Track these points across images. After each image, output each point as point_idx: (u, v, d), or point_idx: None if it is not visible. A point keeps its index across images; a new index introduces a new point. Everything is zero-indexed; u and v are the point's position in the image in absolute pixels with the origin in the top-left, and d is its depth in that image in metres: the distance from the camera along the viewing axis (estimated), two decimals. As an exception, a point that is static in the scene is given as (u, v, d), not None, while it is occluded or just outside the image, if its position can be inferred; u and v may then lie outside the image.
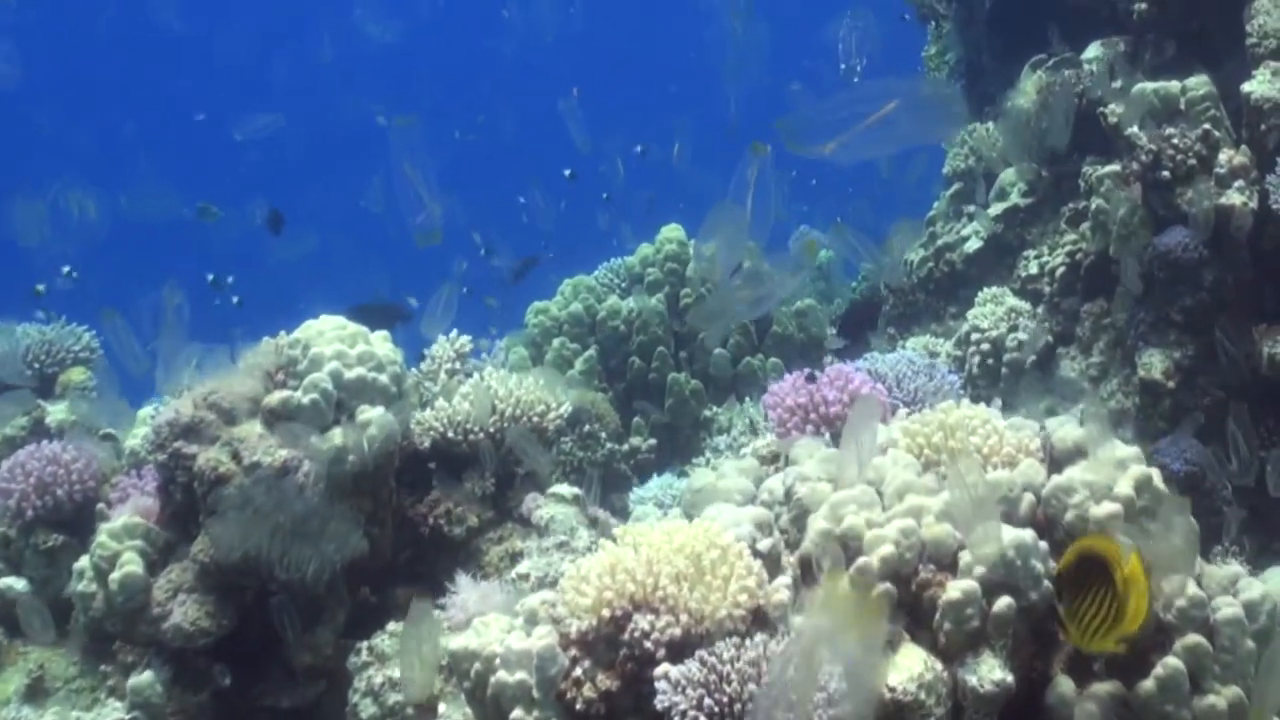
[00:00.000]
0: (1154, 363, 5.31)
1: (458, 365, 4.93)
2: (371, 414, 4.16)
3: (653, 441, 6.70)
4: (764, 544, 3.39)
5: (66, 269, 7.45)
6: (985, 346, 6.03)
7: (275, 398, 4.15)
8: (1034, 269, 6.29)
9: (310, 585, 4.00)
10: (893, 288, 7.15)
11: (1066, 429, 3.70)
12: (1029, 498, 3.42)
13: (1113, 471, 3.47)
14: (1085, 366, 5.79)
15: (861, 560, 3.31)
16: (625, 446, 6.60)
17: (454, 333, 5.04)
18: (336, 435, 4.10)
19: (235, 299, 5.10)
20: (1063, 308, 6.04)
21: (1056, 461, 3.61)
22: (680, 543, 3.14)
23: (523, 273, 8.16)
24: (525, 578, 4.27)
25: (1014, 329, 6.01)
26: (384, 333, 4.44)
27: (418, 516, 4.51)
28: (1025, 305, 6.14)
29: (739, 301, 3.34)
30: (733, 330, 6.83)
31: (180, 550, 4.20)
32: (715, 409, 6.81)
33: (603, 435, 6.45)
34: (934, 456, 3.61)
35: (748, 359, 7.01)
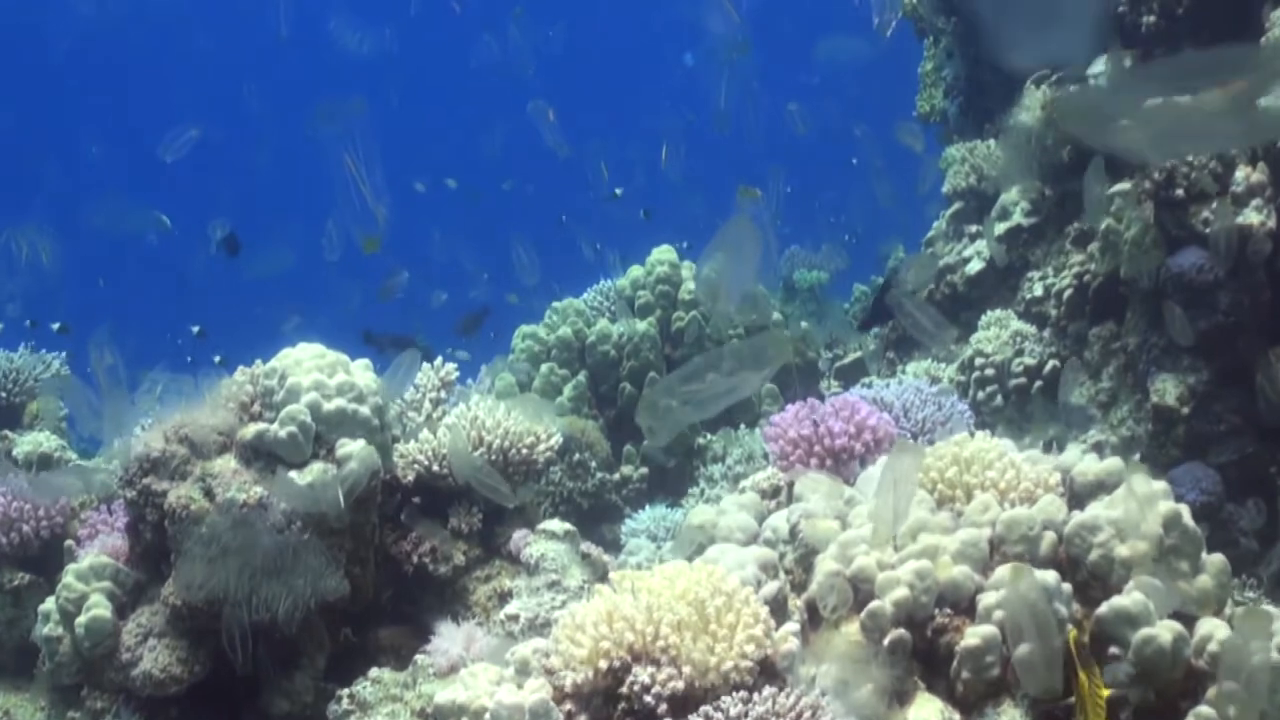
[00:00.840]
0: (1167, 388, 5.16)
1: (443, 394, 4.75)
2: (352, 448, 3.98)
3: (644, 470, 6.53)
4: (770, 587, 3.23)
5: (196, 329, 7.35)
6: (989, 372, 5.88)
7: (250, 431, 3.96)
8: (1039, 291, 6.15)
9: (282, 624, 3.81)
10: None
11: (1087, 462, 3.54)
12: (1050, 536, 3.26)
13: (1139, 508, 3.30)
14: (1095, 392, 5.64)
15: (874, 605, 3.15)
16: (616, 476, 6.44)
17: (439, 360, 4.87)
18: (315, 470, 3.92)
19: (196, 329, 4.91)
20: (1070, 331, 5.89)
21: (1078, 496, 3.46)
22: (682, 588, 2.96)
23: (473, 326, 7.99)
24: (514, 619, 4.09)
25: (1019, 353, 5.85)
26: (365, 361, 4.26)
27: (401, 554, 4.32)
28: (1030, 329, 5.99)
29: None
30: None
31: (151, 592, 4.01)
32: (709, 436, 6.64)
33: (593, 464, 6.28)
34: (948, 492, 3.45)
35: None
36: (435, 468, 4.35)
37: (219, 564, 3.75)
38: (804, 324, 7.46)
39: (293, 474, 3.91)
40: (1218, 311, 5.03)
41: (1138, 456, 5.29)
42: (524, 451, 4.44)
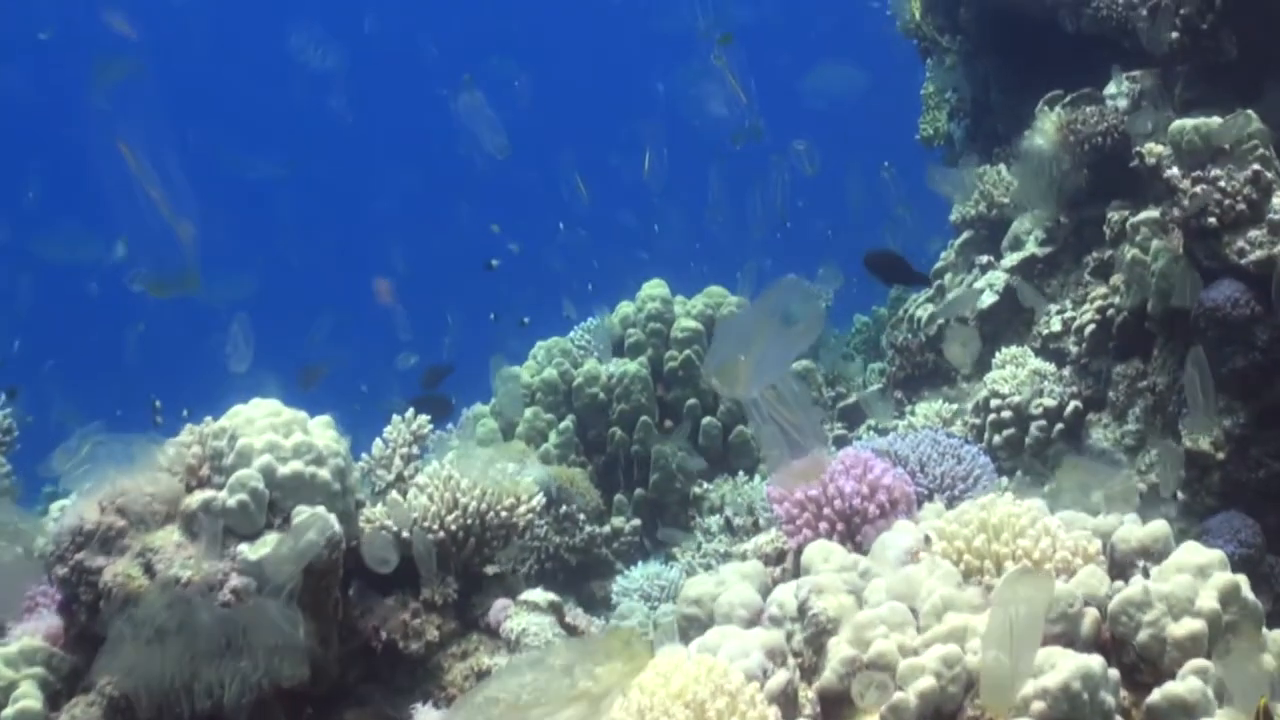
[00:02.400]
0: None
1: (414, 450, 4.42)
2: (310, 515, 3.65)
3: (636, 522, 6.20)
4: (778, 679, 2.90)
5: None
6: (1006, 414, 5.55)
7: (195, 500, 3.62)
8: (1057, 325, 5.83)
9: (230, 713, 3.47)
10: (899, 346, 6.67)
11: (1130, 527, 3.23)
12: (1092, 614, 2.94)
13: (1191, 580, 2.98)
14: (1119, 435, 5.32)
15: (896, 698, 2.82)
16: (606, 528, 6.11)
17: (409, 412, 4.54)
18: (269, 542, 3.58)
19: (156, 403, 4.59)
20: (1092, 369, 5.58)
21: (1120, 565, 3.15)
22: (679, 687, 2.63)
23: (434, 383, 7.66)
24: (495, 702, 3.76)
25: (1039, 394, 5.52)
26: (325, 419, 3.92)
27: (368, 629, 3.99)
28: (1050, 367, 5.66)
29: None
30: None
31: (89, 679, 3.66)
32: (705, 485, 6.31)
33: (581, 517, 5.95)
34: (976, 564, 3.13)
35: (740, 428, 6.52)
36: (405, 534, 4.02)
37: (154, 647, 3.40)
38: (804, 362, 7.12)
39: (244, 547, 3.57)
40: (1255, 348, 4.72)
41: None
42: (502, 514, 4.11)
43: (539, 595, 4.02)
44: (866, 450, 3.92)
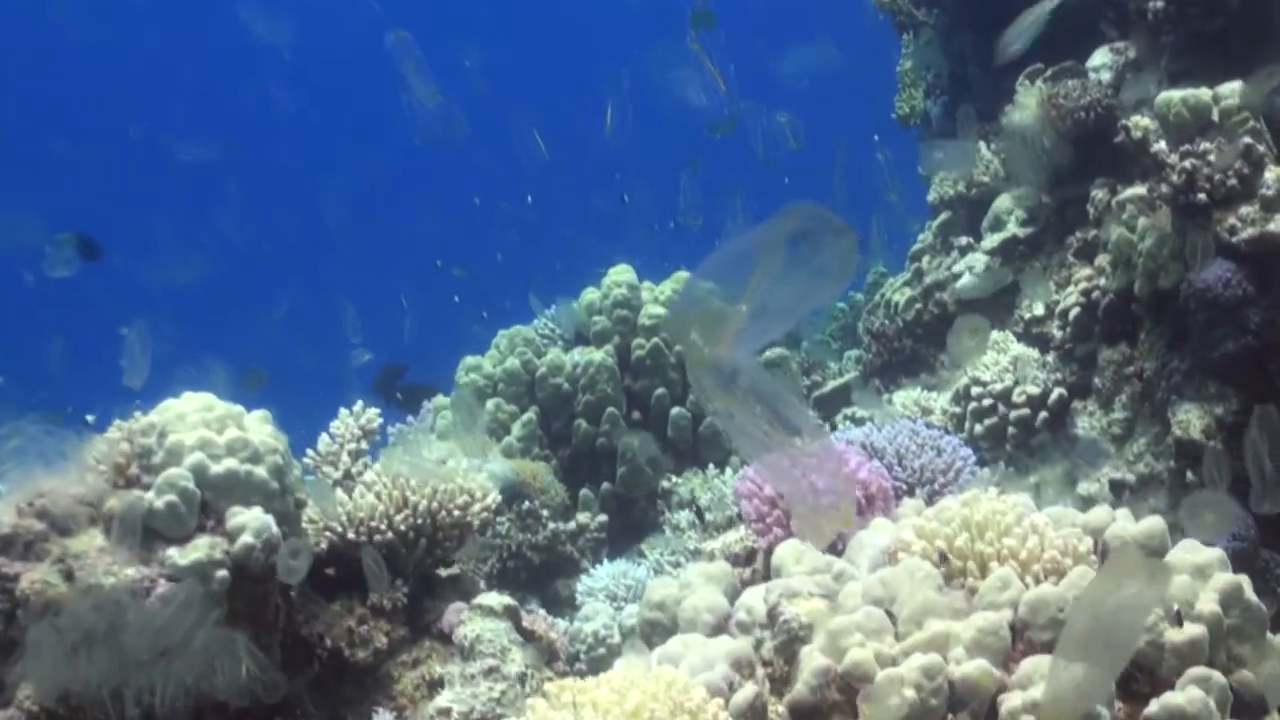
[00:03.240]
0: (1191, 419, 4.66)
1: (363, 445, 4.21)
2: (246, 517, 3.42)
3: (603, 518, 5.99)
4: (745, 694, 2.70)
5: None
6: (988, 402, 5.35)
7: (120, 501, 3.40)
8: (1039, 309, 5.64)
9: (167, 716, 3.26)
10: (875, 332, 6.47)
11: (1123, 524, 3.05)
12: (1085, 619, 2.74)
13: (1190, 581, 2.80)
14: (1106, 424, 5.13)
15: (871, 710, 2.62)
16: (571, 525, 5.89)
17: (359, 405, 4.32)
18: (200, 546, 3.36)
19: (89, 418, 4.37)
20: (1077, 354, 5.38)
21: (1111, 564, 2.95)
22: (635, 705, 2.43)
23: (388, 383, 7.45)
24: (446, 713, 3.57)
25: (1022, 381, 5.33)
26: (262, 413, 3.70)
27: (313, 636, 3.77)
28: (1033, 353, 5.46)
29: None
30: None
31: (8, 693, 3.44)
32: (674, 479, 6.10)
33: (545, 513, 5.74)
34: (959, 565, 2.93)
35: (710, 418, 6.31)
36: (352, 534, 3.81)
37: (79, 654, 3.19)
38: (778, 349, 6.92)
39: (172, 551, 3.35)
40: (1247, 331, 4.54)
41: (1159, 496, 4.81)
42: (455, 513, 3.90)
43: (494, 599, 3.82)
44: (842, 443, 3.72)
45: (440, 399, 6.78)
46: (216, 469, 3.46)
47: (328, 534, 3.82)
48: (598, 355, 6.30)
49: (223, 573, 3.36)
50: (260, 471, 3.53)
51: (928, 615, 2.77)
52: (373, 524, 3.83)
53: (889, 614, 2.82)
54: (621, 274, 6.60)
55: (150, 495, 3.40)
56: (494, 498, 4.01)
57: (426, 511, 3.87)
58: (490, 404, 6.34)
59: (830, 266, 2.08)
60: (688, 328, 2.13)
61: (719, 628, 3.13)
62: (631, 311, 6.47)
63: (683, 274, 6.70)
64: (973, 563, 2.91)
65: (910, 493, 3.73)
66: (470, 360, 6.59)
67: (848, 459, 3.41)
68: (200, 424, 3.52)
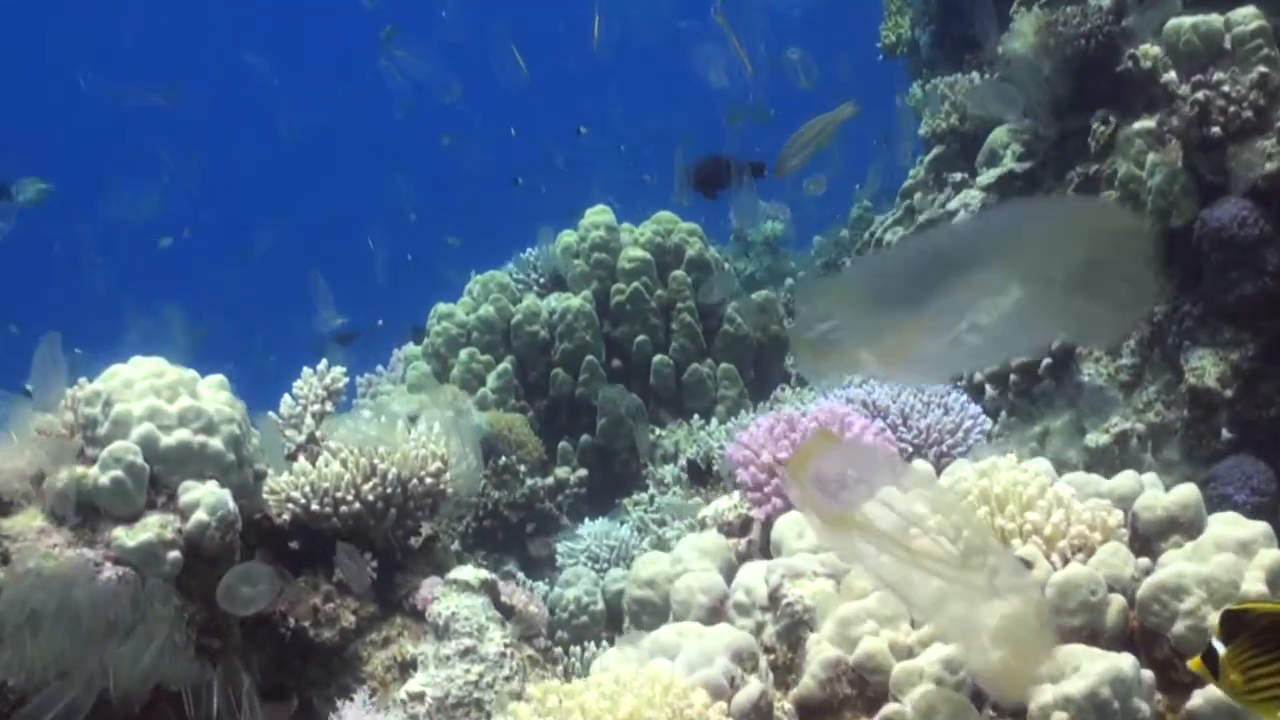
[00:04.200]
0: (1205, 366, 4.45)
1: (328, 406, 3.95)
2: (199, 492, 3.17)
3: (583, 473, 5.76)
4: (749, 692, 2.47)
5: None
6: (989, 348, 5.11)
7: (62, 477, 3.14)
8: (1041, 249, 5.39)
9: (119, 704, 3.02)
10: (866, 274, 6.23)
11: (1154, 494, 2.82)
12: (1118, 601, 2.53)
13: (1234, 560, 2.57)
14: (1114, 370, 4.90)
15: (889, 709, 2.41)
16: (550, 480, 5.66)
17: (323, 364, 4.06)
18: (150, 525, 3.12)
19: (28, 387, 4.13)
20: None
21: (1144, 538, 2.74)
22: (629, 712, 2.19)
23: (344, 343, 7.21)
24: (419, 698, 3.34)
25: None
26: (217, 378, 3.44)
27: (275, 615, 3.53)
28: (1035, 295, 5.22)
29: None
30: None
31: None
32: (659, 431, 5.87)
33: (522, 469, 5.51)
34: (978, 541, 2.70)
35: (694, 366, 6.08)
36: (316, 506, 3.56)
37: (23, 633, 2.95)
38: (765, 291, 6.68)
39: (119, 531, 3.10)
40: (1265, 273, 4.33)
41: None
42: (428, 480, 3.66)
43: (470, 573, 3.58)
44: (842, 404, 3.49)
45: (410, 348, 6.53)
46: (167, 440, 3.21)
47: (290, 505, 3.57)
48: (575, 301, 6.06)
49: (175, 554, 3.12)
50: (215, 443, 3.28)
51: (946, 600, 2.54)
52: (338, 494, 3.58)
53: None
54: (599, 215, 6.35)
55: (95, 470, 3.15)
56: (471, 461, 3.76)
57: (396, 479, 3.62)
58: (464, 353, 6.10)
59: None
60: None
61: (715, 610, 2.91)
62: (610, 255, 6.22)
63: (665, 214, 6.45)
64: (993, 540, 2.68)
65: (918, 456, 3.50)
66: (442, 307, 6.34)
67: (851, 423, 3.18)
68: (149, 391, 3.26)
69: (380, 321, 10.14)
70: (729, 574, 3.08)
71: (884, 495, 3.06)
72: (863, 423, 3.19)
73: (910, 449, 3.50)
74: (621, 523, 5.21)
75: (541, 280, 6.42)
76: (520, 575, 5.19)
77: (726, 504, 3.49)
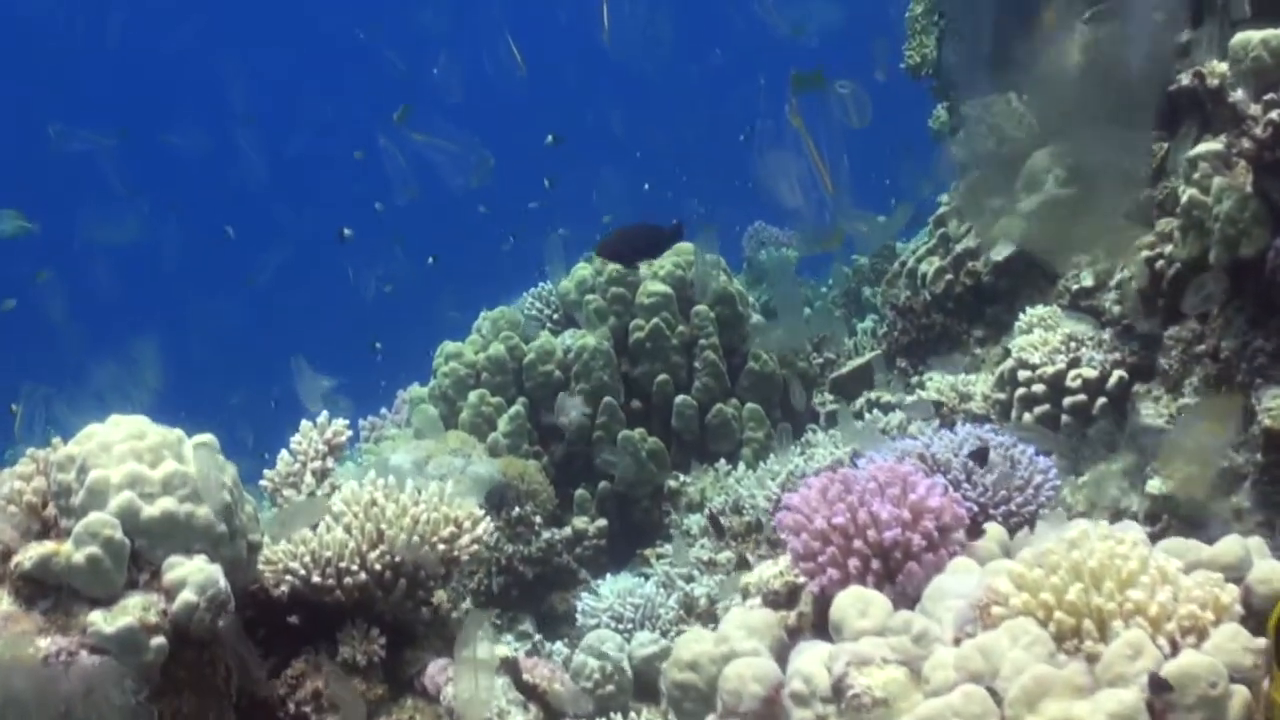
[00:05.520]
0: (1280, 407, 4.13)
1: (329, 463, 3.64)
2: (187, 569, 2.86)
3: (602, 523, 5.45)
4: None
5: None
6: (1038, 389, 4.79)
7: (31, 555, 2.82)
8: (1088, 280, 5.09)
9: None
10: (901, 307, 5.92)
11: (1269, 565, 2.50)
12: (1241, 694, 2.21)
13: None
14: (1175, 410, 4.58)
15: None
16: (567, 531, 5.35)
17: (323, 416, 3.75)
18: (131, 608, 2.80)
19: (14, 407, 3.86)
20: (1139, 332, 4.81)
21: (1258, 615, 2.41)
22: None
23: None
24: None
25: (1075, 363, 4.78)
26: (206, 437, 3.13)
27: (273, 699, 3.22)
28: (1087, 329, 4.91)
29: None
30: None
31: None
32: (682, 478, 5.56)
33: (537, 520, 5.20)
34: (1070, 623, 2.38)
35: (719, 406, 5.77)
36: (318, 577, 3.25)
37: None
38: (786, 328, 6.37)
39: (96, 616, 2.78)
40: (1344, 307, 4.04)
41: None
42: (440, 547, 3.34)
43: (487, 650, 3.27)
44: (902, 458, 3.16)
45: (416, 389, 6.23)
46: (150, 511, 2.89)
47: (289, 577, 3.25)
48: (592, 339, 5.75)
49: (159, 640, 2.80)
50: (203, 512, 2.96)
51: (1042, 694, 2.23)
52: (342, 564, 3.27)
53: (991, 692, 2.28)
54: (617, 245, 6.06)
55: (68, 547, 2.83)
56: (485, 527, 3.44)
57: (406, 545, 3.30)
58: (473, 395, 5.80)
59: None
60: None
61: (769, 700, 2.59)
62: (628, 289, 5.92)
63: (685, 245, 6.15)
64: (1090, 622, 2.37)
65: (985, 517, 3.18)
66: (449, 346, 6.05)
67: (915, 484, 2.86)
68: (130, 455, 2.94)
69: (378, 344, 9.91)
70: (780, 654, 2.78)
71: (957, 566, 2.76)
72: (928, 483, 2.88)
73: (975, 508, 3.18)
74: (645, 578, 4.91)
75: (555, 316, 6.13)
76: (538, 638, 4.88)
77: (771, 571, 3.17)
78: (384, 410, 6.49)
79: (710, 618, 4.63)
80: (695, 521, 5.13)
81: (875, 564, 2.82)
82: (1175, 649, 2.29)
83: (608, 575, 5.07)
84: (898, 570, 2.81)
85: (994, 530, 2.93)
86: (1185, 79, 4.82)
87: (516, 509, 5.16)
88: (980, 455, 3.26)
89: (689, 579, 4.77)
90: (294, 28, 28.63)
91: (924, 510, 2.85)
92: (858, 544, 2.83)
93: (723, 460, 5.56)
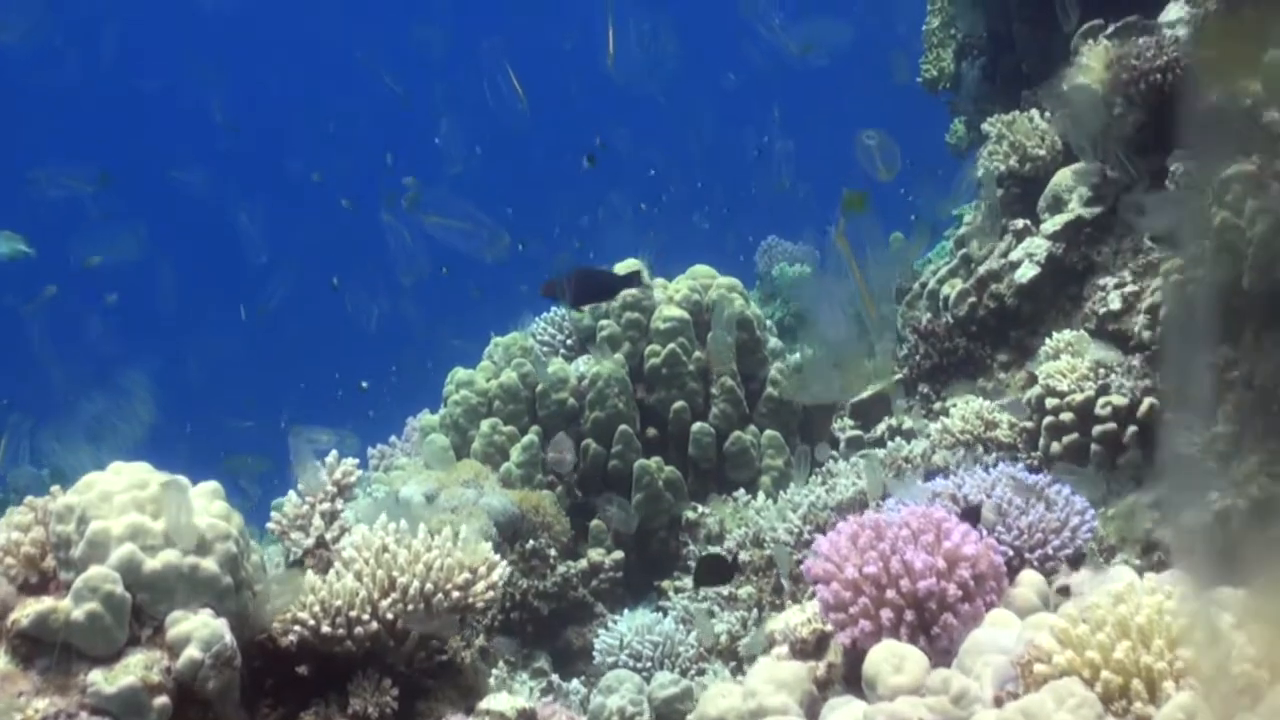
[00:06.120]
0: (1318, 435, 4.03)
1: (338, 505, 3.54)
2: (191, 624, 2.75)
3: (618, 555, 5.34)
4: None
5: None
6: (1067, 417, 4.67)
7: (29, 612, 2.72)
8: (1115, 303, 4.98)
9: None
10: (922, 330, 5.80)
11: (1325, 620, 2.37)
12: (1301, 761, 2.10)
13: None
14: (1209, 439, 4.46)
15: None
16: (582, 564, 5.24)
17: (332, 455, 3.64)
18: (133, 666, 2.70)
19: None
20: (1170, 358, 4.70)
21: (1316, 674, 2.30)
22: None
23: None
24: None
25: (1104, 390, 4.66)
26: (211, 486, 3.03)
27: (281, 755, 3.11)
28: (1115, 356, 4.80)
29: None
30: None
31: None
32: (699, 509, 5.44)
33: (552, 553, 5.09)
34: (1117, 683, 2.27)
35: (737, 434, 5.66)
36: (328, 627, 3.14)
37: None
38: (810, 352, 6.25)
39: (96, 675, 2.68)
40: (1384, 332, 3.92)
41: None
42: (454, 594, 3.23)
43: (504, 702, 3.16)
44: (933, 499, 3.05)
45: (427, 418, 6.12)
46: (152, 564, 2.79)
47: (297, 628, 3.15)
48: (607, 365, 5.64)
49: (162, 699, 2.70)
50: (208, 564, 2.86)
51: (1091, 763, 2.13)
52: (353, 614, 3.15)
53: (1036, 758, 2.18)
54: (629, 269, 5.94)
55: (67, 603, 2.73)
56: (501, 572, 3.33)
57: (419, 594, 3.19)
58: (485, 424, 5.69)
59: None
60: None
61: (800, 765, 2.49)
62: (643, 314, 5.81)
63: (701, 268, 6.05)
64: (1139, 682, 2.26)
65: (1020, 562, 3.07)
66: (461, 374, 5.93)
67: (949, 530, 2.76)
68: (131, 506, 2.84)
69: (364, 384, 9.90)
70: (810, 708, 2.68)
71: (995, 619, 2.65)
72: (962, 529, 2.77)
73: (1010, 552, 3.07)
74: (664, 613, 4.80)
75: (569, 341, 6.02)
76: (554, 677, 4.77)
77: (799, 618, 3.07)
78: (393, 438, 6.39)
79: (731, 655, 4.52)
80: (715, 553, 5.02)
81: (909, 615, 2.71)
82: (1230, 711, 2.18)
83: (624, 610, 4.96)
84: (933, 622, 2.71)
85: (1031, 578, 2.83)
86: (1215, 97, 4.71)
87: (531, 542, 5.06)
88: (972, 514, 3.14)
89: (710, 615, 4.67)
90: (295, 49, 28.71)
91: (959, 558, 2.74)
92: (890, 594, 2.73)
93: (742, 490, 5.45)
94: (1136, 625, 2.32)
